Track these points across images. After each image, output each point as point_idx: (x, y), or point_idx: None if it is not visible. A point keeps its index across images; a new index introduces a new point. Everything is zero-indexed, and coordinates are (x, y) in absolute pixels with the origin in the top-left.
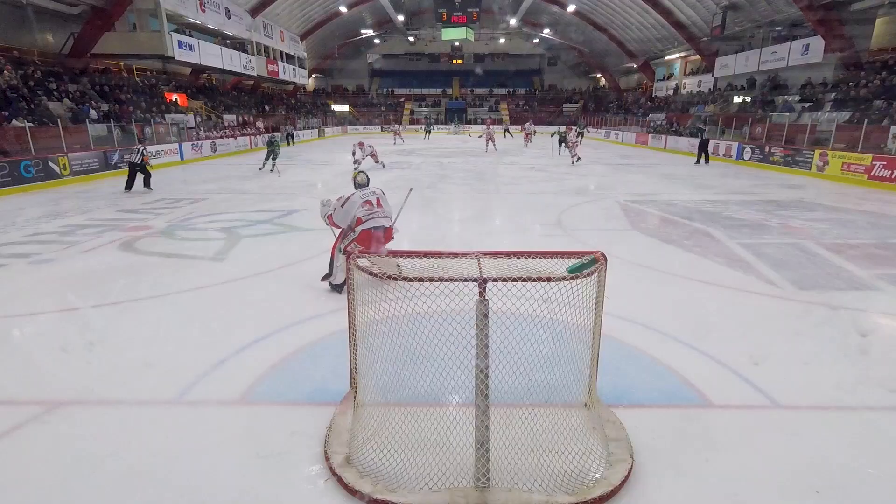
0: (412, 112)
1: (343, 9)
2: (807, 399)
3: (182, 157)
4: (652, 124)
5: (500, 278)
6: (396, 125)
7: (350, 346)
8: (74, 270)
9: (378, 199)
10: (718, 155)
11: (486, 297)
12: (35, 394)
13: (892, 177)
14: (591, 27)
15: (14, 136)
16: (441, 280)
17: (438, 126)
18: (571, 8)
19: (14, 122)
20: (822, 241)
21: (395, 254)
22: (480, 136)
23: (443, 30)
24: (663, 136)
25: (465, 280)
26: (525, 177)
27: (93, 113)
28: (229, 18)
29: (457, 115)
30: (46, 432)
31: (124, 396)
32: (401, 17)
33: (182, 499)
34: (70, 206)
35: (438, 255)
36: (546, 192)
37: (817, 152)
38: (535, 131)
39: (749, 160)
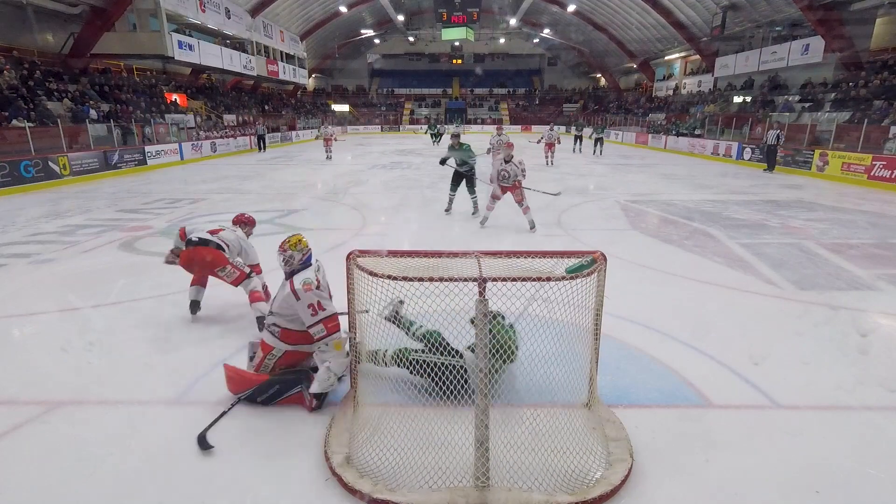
0: (412, 112)
1: (343, 9)
2: (807, 399)
3: (182, 157)
4: (652, 124)
5: (500, 278)
6: (329, 127)
7: (350, 346)
8: (74, 270)
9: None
10: (718, 154)
11: (486, 297)
12: (35, 394)
13: (892, 177)
14: (591, 27)
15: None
16: (441, 280)
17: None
18: (571, 8)
19: (14, 121)
20: (822, 241)
21: (395, 254)
22: (488, 151)
23: (443, 30)
24: (663, 136)
25: (465, 280)
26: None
27: (93, 113)
28: (229, 18)
29: (457, 114)
30: (46, 432)
31: (124, 396)
32: (401, 17)
33: (182, 499)
34: (70, 206)
35: (438, 255)
36: (546, 192)
37: (817, 152)
38: (558, 139)
39: (749, 160)
